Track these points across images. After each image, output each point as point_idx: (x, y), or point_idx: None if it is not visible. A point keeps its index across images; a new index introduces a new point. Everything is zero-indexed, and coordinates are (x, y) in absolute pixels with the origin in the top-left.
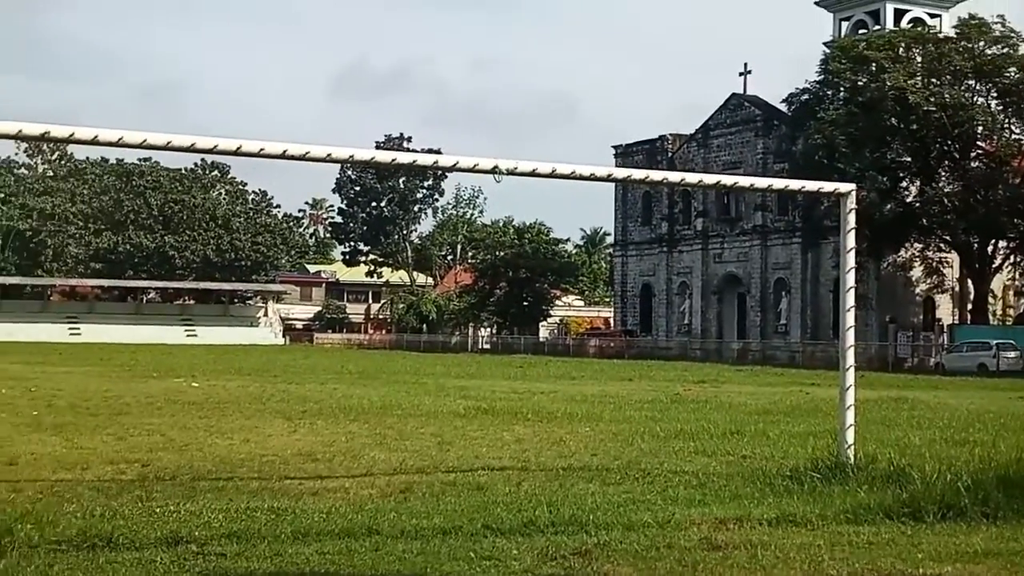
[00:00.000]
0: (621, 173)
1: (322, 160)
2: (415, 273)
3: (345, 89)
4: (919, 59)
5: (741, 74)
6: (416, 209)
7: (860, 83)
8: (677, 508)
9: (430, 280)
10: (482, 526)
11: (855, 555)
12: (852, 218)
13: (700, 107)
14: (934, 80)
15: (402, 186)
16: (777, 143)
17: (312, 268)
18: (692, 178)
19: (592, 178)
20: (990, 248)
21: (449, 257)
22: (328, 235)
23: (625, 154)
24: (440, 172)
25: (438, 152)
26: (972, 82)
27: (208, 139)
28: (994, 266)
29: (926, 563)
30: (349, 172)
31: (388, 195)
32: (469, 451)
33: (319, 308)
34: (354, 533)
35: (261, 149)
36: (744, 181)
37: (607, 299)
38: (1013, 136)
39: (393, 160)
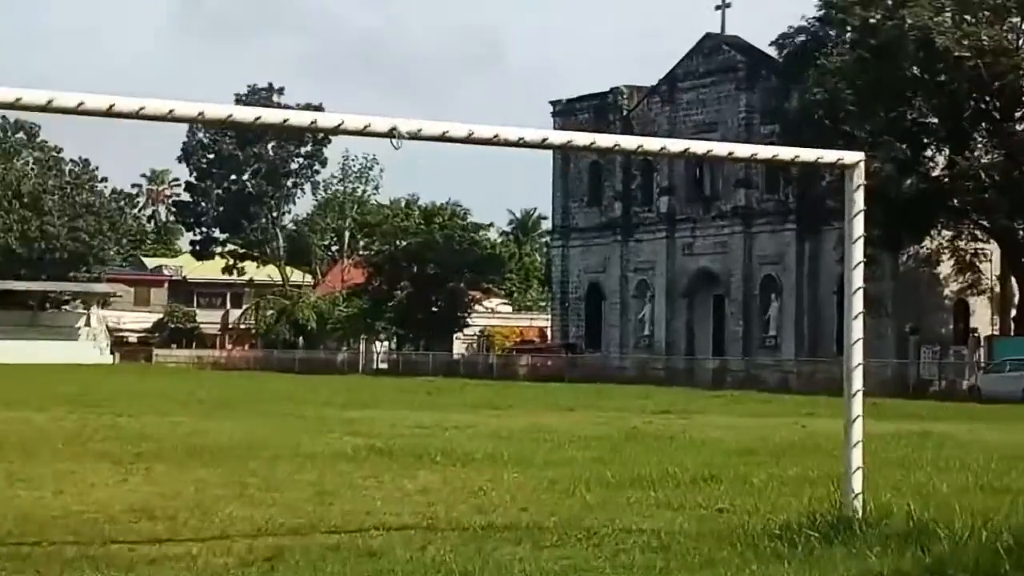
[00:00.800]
0: (559, 137)
1: (163, 119)
2: (289, 269)
3: (195, 25)
4: None
5: (718, 8)
6: (290, 184)
7: (872, 21)
8: None
9: (309, 278)
10: None
11: None
12: (860, 197)
13: (665, 51)
14: (968, 17)
15: (271, 154)
16: (765, 98)
17: (151, 262)
18: (653, 144)
19: (521, 144)
20: None
21: (334, 248)
22: (172, 218)
23: (566, 112)
24: (321, 136)
25: (318, 109)
26: (1017, 20)
27: None
28: None
29: None
30: (200, 135)
31: (252, 166)
32: (358, 505)
33: (159, 315)
34: None
35: (80, 103)
36: (721, 148)
37: (543, 303)
38: None
39: (257, 119)
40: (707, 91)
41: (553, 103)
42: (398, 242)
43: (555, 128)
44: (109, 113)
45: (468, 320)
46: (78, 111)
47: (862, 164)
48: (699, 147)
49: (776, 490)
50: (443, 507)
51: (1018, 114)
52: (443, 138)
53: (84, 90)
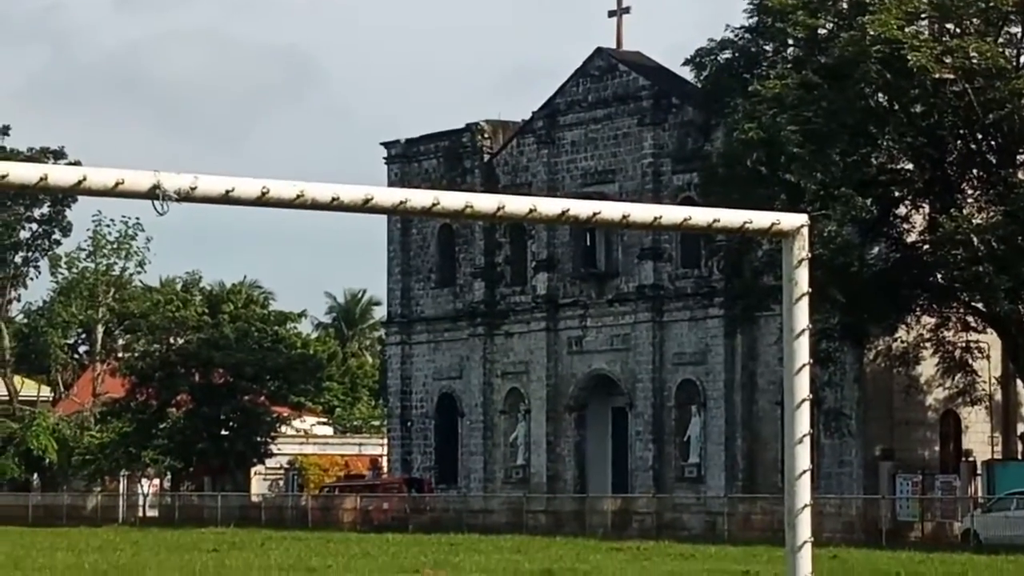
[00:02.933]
0: (389, 196)
1: None
2: (18, 379)
3: None
4: None
5: (612, 15)
6: (19, 260)
7: (822, 32)
8: None
9: (47, 391)
10: None
11: None
12: (804, 275)
13: (543, 74)
14: (951, 27)
15: None
16: (678, 137)
17: None
18: (518, 203)
19: (336, 207)
20: None
21: (82, 349)
22: None
23: (406, 158)
24: (62, 196)
25: (58, 155)
26: (1018, 31)
27: None
28: None
29: None
30: None
31: None
32: None
33: None
34: None
35: None
36: (613, 210)
37: (376, 422)
38: None
39: None
40: (599, 127)
41: (387, 145)
42: (172, 339)
43: (392, 178)
44: None
45: (272, 447)
46: None
47: (805, 230)
48: (583, 208)
49: None
50: None
51: (1021, 157)
52: (227, 199)
53: None
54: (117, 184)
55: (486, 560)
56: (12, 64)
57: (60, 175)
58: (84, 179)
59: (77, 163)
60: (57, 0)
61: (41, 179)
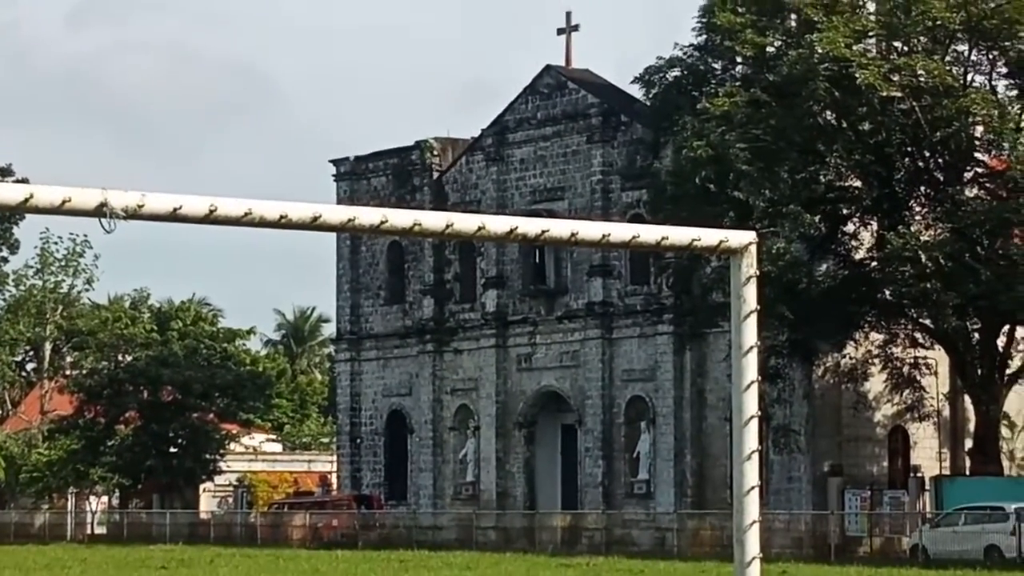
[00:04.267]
0: (337, 215)
1: None
2: None
3: None
4: (872, 8)
5: (561, 32)
6: None
7: (771, 50)
8: None
9: None
10: None
11: None
12: (752, 293)
13: (492, 91)
14: (899, 45)
15: None
16: (627, 155)
17: None
18: (466, 221)
19: (284, 224)
20: (1001, 340)
21: (30, 366)
22: None
23: (355, 175)
24: (9, 213)
25: (4, 172)
26: (964, 48)
27: None
28: (1009, 372)
29: None
30: None
31: None
32: None
33: None
34: None
35: None
36: (561, 228)
37: (325, 439)
38: None
39: None
40: (548, 145)
41: (336, 163)
42: (121, 356)
43: (341, 196)
44: None
45: (221, 464)
46: None
47: (753, 247)
48: (530, 226)
49: None
50: None
51: (968, 175)
52: (175, 217)
53: None
54: (64, 202)
55: None
56: None
57: (6, 193)
58: (31, 197)
59: (24, 180)
60: (10, 17)
61: None
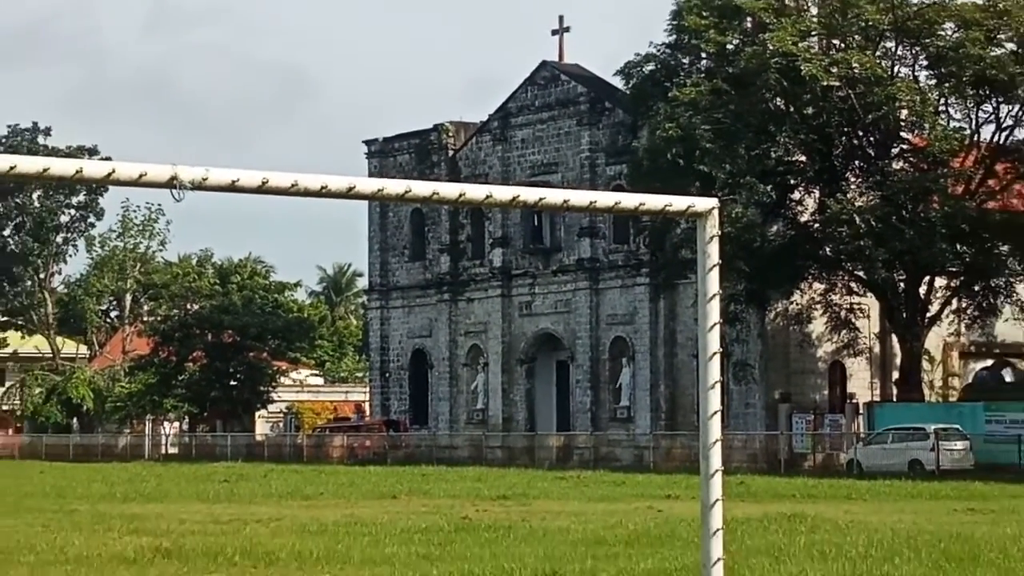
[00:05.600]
0: (368, 185)
1: None
2: (60, 339)
3: None
4: (815, 11)
5: (555, 33)
6: (60, 240)
7: (730, 47)
8: None
9: (84, 350)
10: None
11: None
12: (714, 249)
13: (497, 83)
14: (837, 42)
15: (37, 204)
16: (611, 135)
17: None
18: (477, 191)
19: (324, 193)
20: (923, 289)
21: (114, 314)
22: None
23: (383, 154)
24: (95, 186)
25: (92, 152)
26: (891, 45)
27: None
28: (929, 315)
29: None
30: None
31: (15, 219)
32: None
33: None
34: None
35: None
36: (555, 196)
37: (360, 374)
38: (952, 124)
39: (11, 169)
40: (544, 127)
41: (368, 143)
42: (189, 306)
43: (371, 171)
44: None
45: (272, 395)
46: None
47: (716, 212)
48: (530, 194)
49: None
50: None
51: (895, 151)
52: (233, 188)
53: None
54: (141, 176)
55: (451, 487)
56: (56, 77)
57: (93, 168)
58: (113, 171)
59: (108, 159)
60: (93, 23)
61: (77, 171)
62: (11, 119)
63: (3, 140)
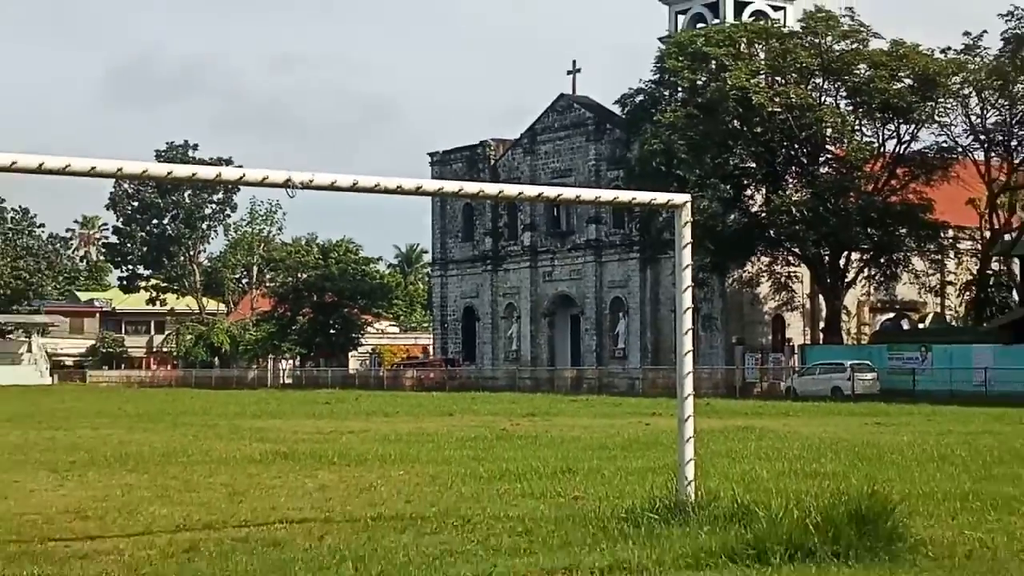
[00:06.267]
0: (432, 185)
1: (85, 175)
2: (205, 299)
3: (124, 92)
4: (762, 56)
5: (569, 73)
6: (204, 227)
7: (699, 82)
8: (500, 559)
9: (222, 307)
10: None
11: None
12: (687, 232)
13: (527, 110)
14: (779, 79)
15: (188, 201)
16: (611, 148)
17: (83, 296)
18: (511, 189)
19: (399, 191)
20: (842, 261)
21: (244, 281)
22: (102, 258)
23: (442, 162)
24: (230, 185)
25: (228, 163)
26: (820, 80)
27: None
28: (847, 281)
29: None
30: (125, 186)
31: (172, 211)
32: (265, 502)
33: (92, 342)
34: None
35: (13, 163)
36: (570, 192)
37: (425, 324)
38: (864, 139)
39: (169, 174)
40: (562, 143)
41: (431, 155)
42: (300, 275)
43: (433, 176)
44: (39, 170)
45: (361, 340)
46: (11, 169)
47: (689, 204)
48: (551, 192)
49: (623, 480)
50: (339, 502)
51: (822, 159)
52: (332, 187)
53: (27, 148)
54: (264, 179)
55: (493, 407)
56: (204, 106)
57: (229, 173)
58: (243, 176)
59: (240, 166)
60: (235, 65)
61: (217, 175)
62: (170, 138)
63: (163, 153)
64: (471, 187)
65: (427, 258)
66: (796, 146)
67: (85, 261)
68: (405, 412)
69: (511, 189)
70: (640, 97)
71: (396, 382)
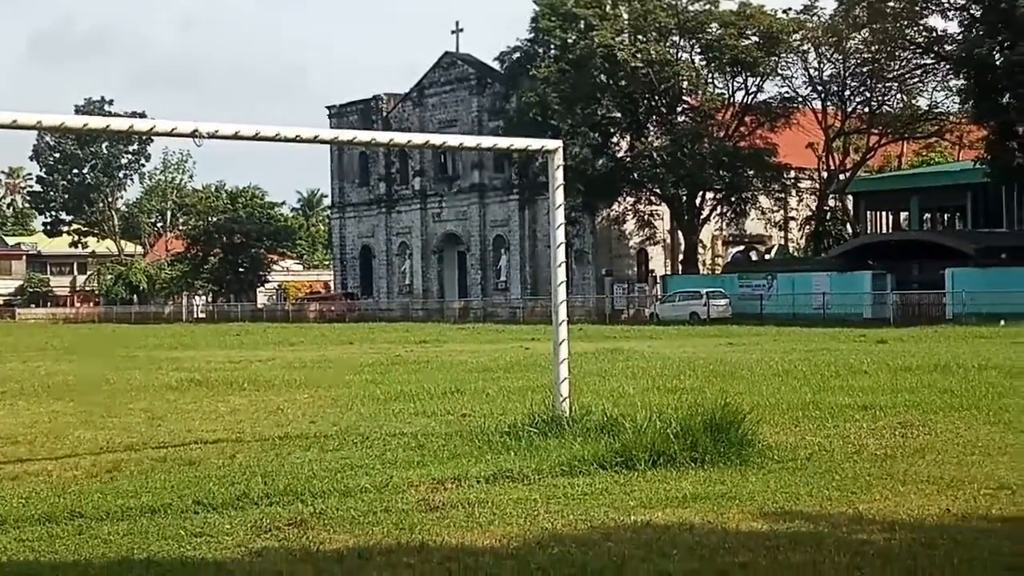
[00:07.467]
0: (328, 135)
1: (8, 127)
2: (123, 242)
3: (44, 51)
4: (626, 16)
5: (453, 32)
6: (121, 175)
7: (570, 41)
8: (396, 471)
9: (139, 249)
10: (193, 502)
11: (570, 507)
12: (560, 175)
13: (416, 67)
14: (640, 37)
15: (105, 152)
16: (492, 101)
17: (11, 240)
18: (400, 138)
19: (298, 140)
20: (698, 200)
21: (159, 225)
22: (27, 205)
23: (339, 115)
24: (146, 137)
25: (142, 116)
26: (677, 38)
27: None
28: (702, 217)
29: (638, 510)
30: (47, 138)
31: (91, 161)
32: (181, 425)
33: (20, 282)
34: (56, 517)
35: None
36: (453, 140)
37: (327, 262)
38: (716, 90)
39: (85, 125)
40: (447, 96)
41: (329, 108)
42: (210, 219)
43: (330, 127)
44: None
45: (268, 277)
46: None
47: (561, 150)
48: (437, 139)
49: (505, 398)
50: (249, 424)
51: (679, 109)
52: (236, 136)
53: None
54: (173, 129)
55: (389, 336)
56: (117, 66)
57: (141, 125)
58: (154, 127)
59: (152, 119)
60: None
61: (130, 127)
62: (88, 94)
63: (81, 108)
64: (364, 136)
65: (327, 202)
66: (656, 97)
67: (11, 208)
68: (309, 342)
69: (401, 137)
70: (517, 54)
71: (300, 315)
